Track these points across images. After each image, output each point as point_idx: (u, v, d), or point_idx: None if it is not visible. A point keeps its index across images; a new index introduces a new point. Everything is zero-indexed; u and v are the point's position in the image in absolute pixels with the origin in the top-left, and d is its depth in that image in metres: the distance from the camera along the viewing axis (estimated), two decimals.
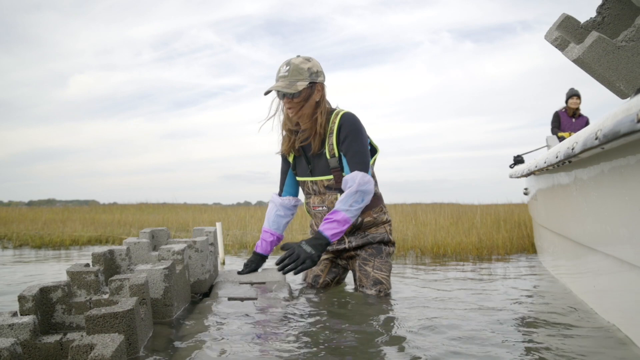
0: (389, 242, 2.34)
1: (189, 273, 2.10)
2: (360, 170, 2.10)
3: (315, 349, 1.45)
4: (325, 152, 2.20)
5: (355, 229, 2.28)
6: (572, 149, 1.52)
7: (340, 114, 2.19)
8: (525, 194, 3.77)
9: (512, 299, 2.24)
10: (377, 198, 2.32)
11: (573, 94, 5.76)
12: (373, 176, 2.33)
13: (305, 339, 1.55)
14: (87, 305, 1.54)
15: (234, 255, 4.56)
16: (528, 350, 1.45)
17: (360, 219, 2.28)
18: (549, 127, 5.98)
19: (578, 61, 1.79)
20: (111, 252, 1.90)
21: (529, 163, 2.95)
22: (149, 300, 1.56)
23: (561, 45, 1.90)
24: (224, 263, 3.15)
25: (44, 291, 1.51)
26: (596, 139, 1.24)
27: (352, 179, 2.08)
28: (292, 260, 2.02)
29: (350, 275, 2.60)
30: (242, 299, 2.01)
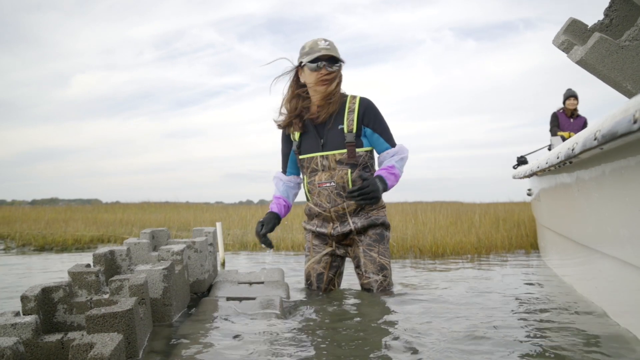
0: (388, 227, 2.39)
1: (188, 273, 2.13)
2: (395, 144, 2.30)
3: (314, 349, 1.48)
4: (342, 127, 2.27)
5: (359, 208, 2.30)
6: (572, 149, 1.52)
7: (358, 96, 2.33)
8: (529, 194, 3.78)
9: (514, 299, 2.25)
10: None
11: (570, 95, 5.77)
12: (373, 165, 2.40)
13: (304, 339, 1.58)
14: (88, 305, 1.58)
15: (233, 253, 4.60)
16: (533, 350, 1.46)
17: None
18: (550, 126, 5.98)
19: (582, 63, 1.78)
20: (112, 252, 1.94)
21: (532, 164, 2.96)
22: (148, 300, 1.59)
23: (567, 49, 1.90)
24: (223, 264, 3.18)
25: (46, 291, 1.55)
26: (595, 139, 1.25)
27: (400, 150, 2.28)
28: (369, 189, 2.11)
29: (346, 276, 2.60)
30: (240, 299, 2.04)
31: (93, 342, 1.14)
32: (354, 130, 2.26)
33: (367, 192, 2.10)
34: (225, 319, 1.77)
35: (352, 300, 2.14)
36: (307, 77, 2.28)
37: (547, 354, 1.42)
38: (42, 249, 5.38)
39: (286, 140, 2.44)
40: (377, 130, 2.27)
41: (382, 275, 2.25)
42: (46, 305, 1.54)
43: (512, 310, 2.00)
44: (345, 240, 2.37)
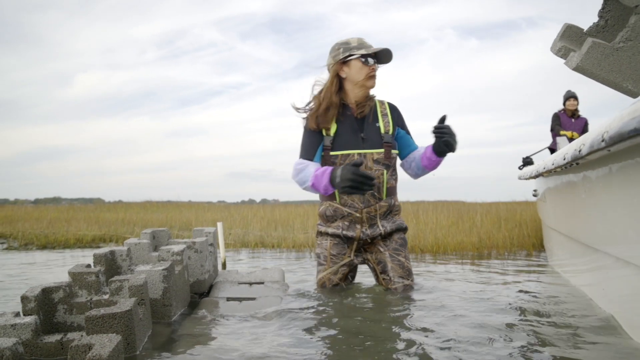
0: (407, 230, 2.43)
1: (188, 273, 2.13)
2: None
3: (314, 348, 1.48)
4: (379, 126, 2.30)
5: (388, 210, 2.31)
6: (579, 150, 1.51)
7: (386, 101, 2.42)
8: (535, 195, 3.76)
9: (520, 299, 2.24)
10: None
11: (570, 96, 5.75)
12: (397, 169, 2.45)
13: (304, 338, 1.58)
14: (88, 305, 1.59)
15: (233, 251, 4.61)
16: (535, 350, 1.46)
17: (393, 202, 2.34)
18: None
19: (579, 69, 1.78)
20: (112, 252, 1.95)
21: (538, 165, 2.94)
22: (148, 301, 1.60)
23: (565, 55, 1.90)
24: (224, 264, 3.18)
25: (46, 292, 1.56)
26: (602, 140, 1.24)
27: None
28: (451, 135, 2.15)
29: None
30: (240, 299, 2.05)
31: (92, 343, 1.15)
32: (390, 132, 2.31)
33: (453, 134, 2.16)
34: (226, 320, 1.77)
35: (352, 300, 2.13)
36: (355, 72, 2.23)
37: (555, 354, 1.42)
38: (44, 247, 5.40)
39: (318, 133, 2.27)
40: (408, 131, 2.41)
41: (411, 280, 2.27)
42: (46, 305, 1.55)
43: (517, 311, 1.99)
44: (368, 245, 2.33)
